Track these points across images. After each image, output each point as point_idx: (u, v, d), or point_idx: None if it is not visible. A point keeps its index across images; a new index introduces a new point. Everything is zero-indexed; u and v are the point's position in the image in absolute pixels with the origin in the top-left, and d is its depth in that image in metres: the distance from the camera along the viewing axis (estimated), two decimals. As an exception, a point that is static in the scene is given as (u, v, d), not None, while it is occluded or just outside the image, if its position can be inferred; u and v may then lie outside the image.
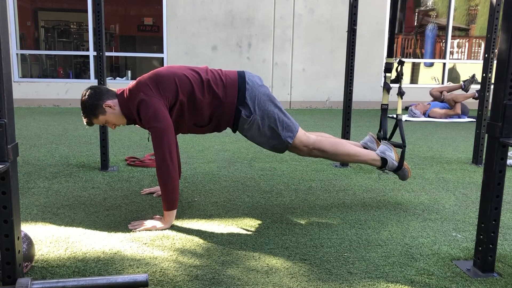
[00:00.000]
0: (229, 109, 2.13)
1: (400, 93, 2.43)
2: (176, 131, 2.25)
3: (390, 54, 2.50)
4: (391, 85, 2.49)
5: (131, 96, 2.09)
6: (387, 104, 2.52)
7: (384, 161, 2.32)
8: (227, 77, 2.15)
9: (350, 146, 2.29)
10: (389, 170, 2.35)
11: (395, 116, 2.43)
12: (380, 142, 2.41)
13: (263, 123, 2.15)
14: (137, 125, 2.18)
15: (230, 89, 2.12)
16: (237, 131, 2.24)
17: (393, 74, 2.47)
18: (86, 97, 2.12)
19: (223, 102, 2.12)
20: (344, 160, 2.31)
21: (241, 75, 2.17)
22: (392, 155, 2.34)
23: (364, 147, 2.44)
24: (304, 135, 2.22)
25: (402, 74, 2.42)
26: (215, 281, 1.56)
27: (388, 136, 2.47)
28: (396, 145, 2.39)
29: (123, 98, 2.13)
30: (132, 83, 2.15)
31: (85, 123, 2.20)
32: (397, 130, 2.49)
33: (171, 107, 2.08)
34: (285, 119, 2.18)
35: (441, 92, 6.61)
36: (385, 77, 2.49)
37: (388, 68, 2.49)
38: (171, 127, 2.01)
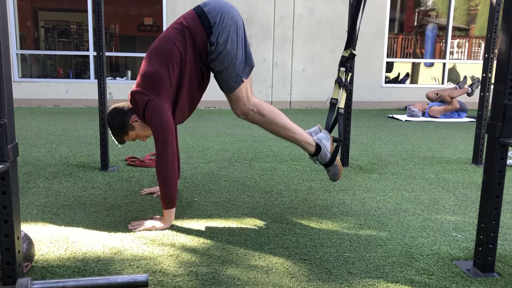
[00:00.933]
0: (203, 45, 2.05)
1: (345, 86, 2.33)
2: (190, 108, 2.23)
3: (346, 47, 2.39)
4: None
5: (136, 106, 2.11)
6: (337, 99, 2.37)
7: (318, 148, 2.23)
8: (187, 18, 2.08)
9: (289, 121, 2.22)
10: (320, 161, 2.26)
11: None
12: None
13: (224, 49, 2.03)
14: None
15: (194, 28, 2.04)
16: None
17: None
18: (113, 118, 2.16)
19: (196, 44, 2.05)
20: (278, 133, 2.22)
21: (198, 7, 2.07)
22: (328, 146, 2.25)
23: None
24: (250, 92, 2.15)
25: (351, 68, 2.34)
26: (215, 281, 1.56)
27: (328, 129, 2.37)
28: (334, 140, 2.31)
29: (135, 109, 2.15)
30: (132, 92, 2.15)
31: (117, 143, 2.24)
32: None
33: (174, 94, 2.09)
34: (246, 53, 2.09)
35: (437, 93, 6.62)
36: (338, 70, 2.38)
37: (342, 62, 2.37)
38: (171, 126, 2.02)
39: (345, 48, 2.38)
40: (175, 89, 2.10)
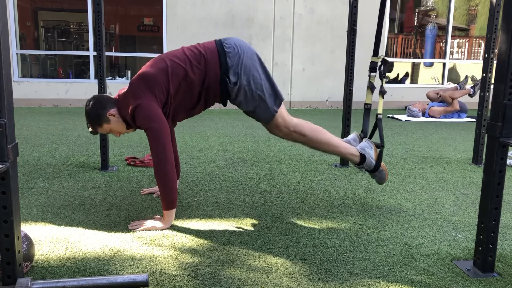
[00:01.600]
0: (214, 81, 2.09)
1: (382, 92, 2.39)
2: (173, 122, 2.29)
3: (375, 53, 2.47)
4: (376, 86, 2.48)
5: (125, 102, 2.11)
6: (370, 104, 2.49)
7: (362, 157, 2.28)
8: (206, 48, 2.11)
9: (330, 136, 2.26)
10: (366, 168, 2.31)
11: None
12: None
13: (249, 89, 2.09)
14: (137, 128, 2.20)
15: (211, 60, 2.08)
16: (230, 102, 2.20)
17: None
18: (90, 107, 2.14)
19: (207, 75, 2.09)
20: (322, 149, 2.26)
21: (219, 43, 2.12)
22: (372, 154, 2.30)
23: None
24: (287, 115, 2.19)
25: (384, 73, 2.39)
26: (215, 281, 1.56)
27: (368, 136, 2.44)
28: (377, 146, 2.35)
29: (120, 105, 2.15)
30: (123, 89, 2.16)
31: (89, 132, 2.22)
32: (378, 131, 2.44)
33: (163, 104, 2.09)
34: (271, 87, 2.14)
35: (437, 93, 6.63)
36: (369, 76, 2.45)
37: (372, 67, 2.45)
38: (166, 127, 2.01)
39: (374, 54, 2.45)
40: (168, 99, 2.10)
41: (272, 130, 2.22)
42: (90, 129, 2.20)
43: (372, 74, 2.45)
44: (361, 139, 2.42)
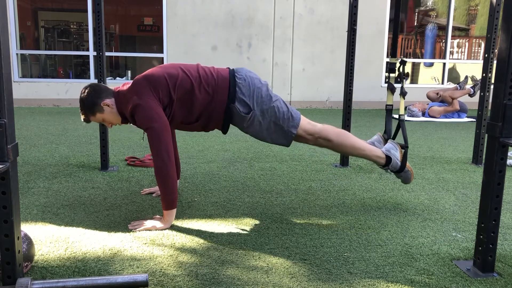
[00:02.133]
0: (219, 107, 2.10)
1: (403, 93, 2.44)
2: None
3: (393, 54, 2.50)
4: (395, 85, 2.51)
5: (125, 98, 2.10)
6: (392, 105, 2.53)
7: (388, 159, 2.30)
8: (219, 74, 2.13)
9: (356, 139, 2.29)
10: (392, 170, 2.33)
11: (397, 116, 2.43)
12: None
13: (263, 119, 2.13)
14: (134, 125, 2.20)
15: (221, 87, 2.09)
16: (242, 131, 2.23)
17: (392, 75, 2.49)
18: (85, 94, 2.13)
19: (214, 100, 2.10)
20: (348, 153, 2.30)
21: (232, 73, 2.14)
22: (397, 155, 2.32)
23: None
24: (308, 124, 2.21)
25: (404, 74, 2.42)
26: (215, 281, 1.56)
27: (392, 137, 2.47)
28: (401, 147, 2.39)
29: (119, 98, 2.14)
30: (127, 83, 2.15)
31: (82, 120, 2.21)
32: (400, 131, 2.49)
33: (165, 107, 2.09)
34: (286, 110, 2.16)
35: (437, 93, 6.63)
36: (388, 77, 2.49)
37: (391, 68, 2.49)
38: (167, 127, 2.01)
39: (392, 56, 2.48)
40: (170, 103, 2.09)
41: (297, 140, 2.24)
42: (82, 116, 2.18)
43: (391, 75, 2.49)
44: (385, 140, 2.45)
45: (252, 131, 2.17)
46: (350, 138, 2.27)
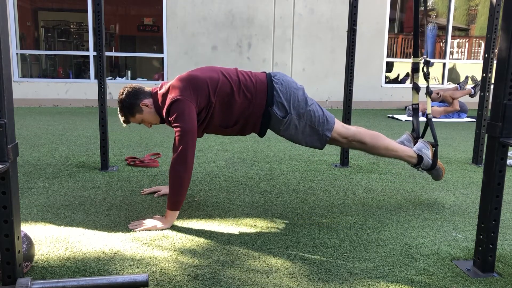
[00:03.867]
0: (258, 111, 2.13)
1: (428, 93, 2.46)
2: (202, 132, 2.28)
3: (416, 54, 2.53)
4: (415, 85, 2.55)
5: (164, 97, 2.12)
6: (418, 104, 2.57)
7: (420, 158, 2.34)
8: (257, 78, 2.16)
9: (388, 141, 2.32)
10: (423, 168, 2.37)
11: (425, 115, 2.47)
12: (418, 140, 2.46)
13: (299, 122, 2.15)
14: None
15: (259, 91, 2.12)
16: (278, 135, 2.26)
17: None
18: (124, 95, 2.16)
19: (252, 104, 2.12)
20: (382, 154, 2.32)
21: (269, 77, 2.17)
22: (429, 153, 2.36)
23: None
24: (342, 127, 2.24)
25: (429, 74, 2.45)
26: (215, 281, 1.56)
27: (421, 135, 2.51)
28: (432, 145, 2.42)
29: (157, 97, 2.16)
30: (166, 83, 2.17)
31: (122, 122, 2.24)
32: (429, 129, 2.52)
33: (201, 109, 2.10)
34: (321, 114, 2.19)
35: (438, 93, 6.62)
36: (413, 77, 2.52)
37: (415, 68, 2.53)
38: (195, 131, 2.01)
39: (415, 56, 2.51)
40: (207, 106, 2.10)
41: (331, 143, 2.26)
42: (122, 118, 2.21)
43: (415, 74, 2.52)
44: (414, 139, 2.49)
45: (288, 134, 2.19)
46: (383, 140, 2.30)
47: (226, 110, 2.13)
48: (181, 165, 1.98)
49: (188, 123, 2.00)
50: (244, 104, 2.12)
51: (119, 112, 2.21)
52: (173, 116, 2.02)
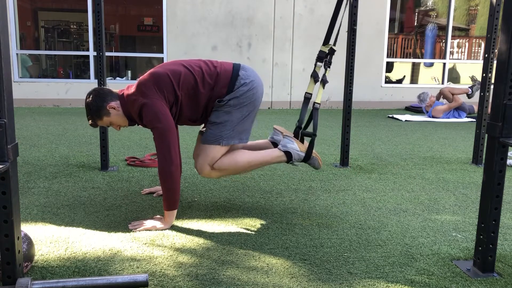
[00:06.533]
0: (216, 98, 2.12)
1: (323, 81, 2.33)
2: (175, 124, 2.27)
3: (325, 42, 2.36)
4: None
5: (131, 99, 2.09)
6: (311, 94, 2.37)
7: (288, 154, 2.25)
8: (222, 67, 2.14)
9: (249, 154, 2.22)
10: (297, 161, 2.27)
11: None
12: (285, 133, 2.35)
13: (229, 111, 2.10)
14: (139, 126, 2.19)
15: (222, 80, 2.11)
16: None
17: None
18: (90, 99, 2.13)
19: (213, 91, 2.11)
20: (247, 171, 2.25)
21: (237, 67, 2.15)
22: (295, 146, 2.25)
23: (272, 142, 2.38)
24: (226, 155, 2.16)
25: (330, 63, 2.33)
26: (215, 281, 1.56)
27: (303, 126, 2.36)
28: (307, 135, 2.30)
29: (124, 100, 2.13)
30: (131, 85, 2.15)
31: (90, 125, 2.21)
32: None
33: (171, 105, 2.09)
34: (247, 129, 2.16)
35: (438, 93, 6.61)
36: (315, 65, 2.36)
37: (320, 57, 2.35)
38: (173, 128, 2.01)
39: (324, 43, 2.36)
40: (176, 101, 2.10)
41: (198, 158, 2.17)
42: (90, 121, 2.19)
43: (319, 63, 2.36)
44: (279, 130, 2.36)
45: (214, 116, 2.13)
46: (243, 157, 2.19)
47: (192, 102, 2.12)
48: (168, 164, 1.98)
49: (165, 122, 1.99)
50: (208, 93, 2.11)
51: (87, 116, 2.18)
52: (148, 120, 2.01)
